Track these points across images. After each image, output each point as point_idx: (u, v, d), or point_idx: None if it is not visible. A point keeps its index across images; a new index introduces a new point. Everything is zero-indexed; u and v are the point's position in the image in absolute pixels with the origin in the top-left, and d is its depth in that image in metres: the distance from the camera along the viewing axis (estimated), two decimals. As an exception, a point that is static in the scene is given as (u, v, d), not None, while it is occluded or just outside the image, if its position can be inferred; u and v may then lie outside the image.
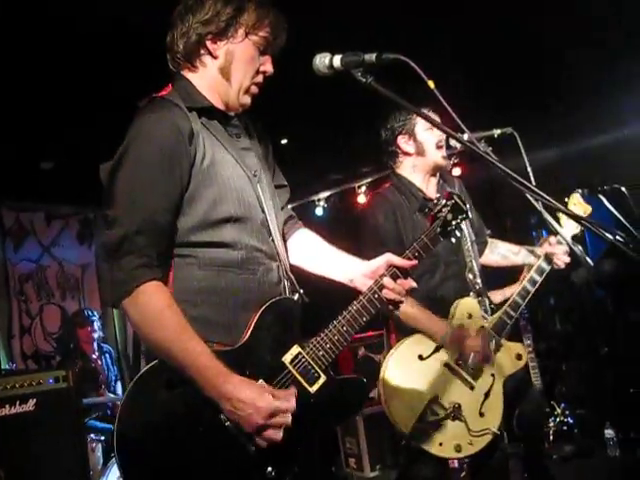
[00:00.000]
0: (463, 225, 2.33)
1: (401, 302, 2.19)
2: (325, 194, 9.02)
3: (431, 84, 1.79)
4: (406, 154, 3.37)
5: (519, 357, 3.23)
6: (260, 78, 2.17)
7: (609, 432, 5.38)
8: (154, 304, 1.87)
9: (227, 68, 2.11)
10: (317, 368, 2.04)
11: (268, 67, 2.17)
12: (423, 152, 3.32)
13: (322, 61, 1.96)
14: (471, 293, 3.24)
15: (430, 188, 3.39)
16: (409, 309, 3.01)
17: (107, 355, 6.67)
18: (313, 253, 2.39)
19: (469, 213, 2.36)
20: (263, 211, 2.15)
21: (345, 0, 4.11)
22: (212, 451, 1.86)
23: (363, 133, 6.08)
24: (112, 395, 6.05)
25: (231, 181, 2.06)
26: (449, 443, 2.96)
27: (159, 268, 1.92)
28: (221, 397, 1.82)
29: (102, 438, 4.94)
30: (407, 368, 3.05)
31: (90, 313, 6.74)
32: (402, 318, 3.04)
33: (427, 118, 2.14)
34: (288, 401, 1.88)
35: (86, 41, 4.24)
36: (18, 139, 5.66)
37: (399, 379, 3.01)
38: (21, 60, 4.41)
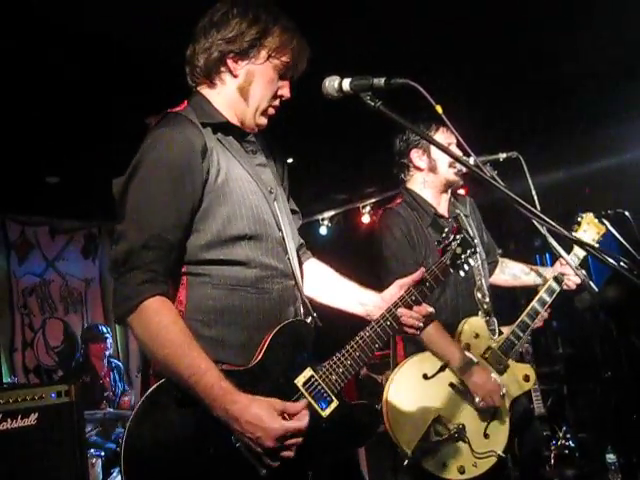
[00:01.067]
0: (471, 261, 2.35)
1: (421, 327, 2.19)
2: (329, 213, 9.05)
3: (439, 109, 1.79)
4: (417, 169, 3.33)
5: (527, 378, 3.19)
6: (277, 102, 2.16)
7: (611, 457, 5.32)
8: (159, 320, 1.82)
9: (246, 88, 2.10)
10: (330, 392, 2.00)
11: (285, 92, 2.16)
12: (435, 169, 3.28)
13: (331, 84, 1.96)
14: (479, 312, 3.22)
15: (442, 205, 3.36)
16: (432, 331, 2.95)
17: (115, 370, 6.64)
18: (327, 285, 2.37)
19: (477, 249, 2.38)
20: (280, 229, 2.11)
21: (349, 19, 4.15)
22: (222, 472, 1.81)
23: (368, 153, 6.15)
24: (113, 410, 6.03)
25: (246, 198, 2.02)
26: (453, 464, 2.91)
27: (165, 284, 1.88)
28: (229, 417, 1.77)
29: (102, 453, 4.93)
30: (411, 387, 3.01)
31: (104, 329, 6.68)
32: (424, 339, 2.99)
33: (434, 142, 2.15)
34: (299, 420, 1.83)
35: (92, 59, 4.29)
36: (24, 153, 5.69)
37: (403, 398, 2.97)
38: (28, 75, 4.45)
